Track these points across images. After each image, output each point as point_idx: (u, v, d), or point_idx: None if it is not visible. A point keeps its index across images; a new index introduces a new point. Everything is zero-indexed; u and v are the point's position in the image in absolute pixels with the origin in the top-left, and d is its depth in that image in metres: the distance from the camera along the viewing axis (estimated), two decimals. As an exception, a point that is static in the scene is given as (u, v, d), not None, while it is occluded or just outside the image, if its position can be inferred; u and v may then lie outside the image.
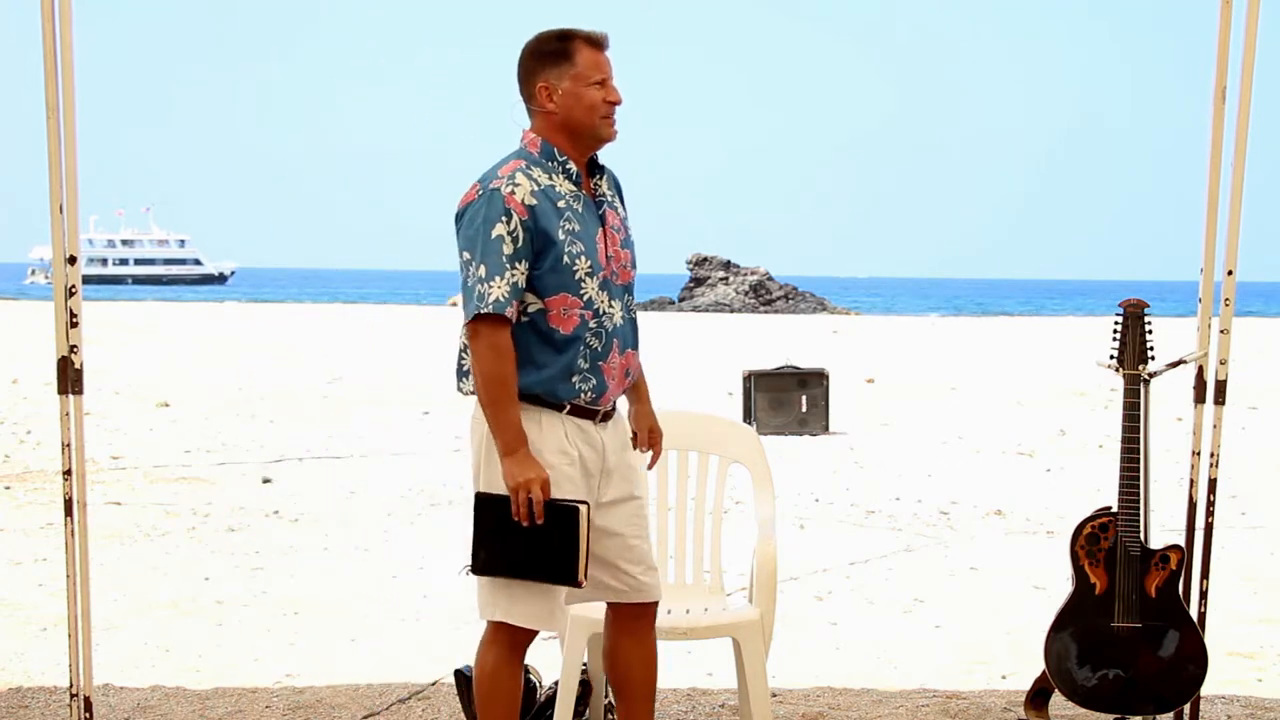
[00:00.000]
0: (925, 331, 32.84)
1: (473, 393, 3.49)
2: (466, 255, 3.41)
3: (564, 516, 3.40)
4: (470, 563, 3.48)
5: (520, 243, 3.38)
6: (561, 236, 3.42)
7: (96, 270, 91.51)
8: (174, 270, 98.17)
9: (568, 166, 3.50)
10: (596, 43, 3.50)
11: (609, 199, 3.59)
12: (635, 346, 3.62)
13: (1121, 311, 4.29)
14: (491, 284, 3.36)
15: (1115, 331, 4.27)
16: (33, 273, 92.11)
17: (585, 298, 3.45)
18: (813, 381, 13.16)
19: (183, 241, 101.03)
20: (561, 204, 3.46)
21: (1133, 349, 4.25)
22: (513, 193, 3.40)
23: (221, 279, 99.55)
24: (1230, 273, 4.21)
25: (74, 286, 3.90)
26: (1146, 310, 4.29)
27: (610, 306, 3.50)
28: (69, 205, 3.86)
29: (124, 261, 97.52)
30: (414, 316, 37.91)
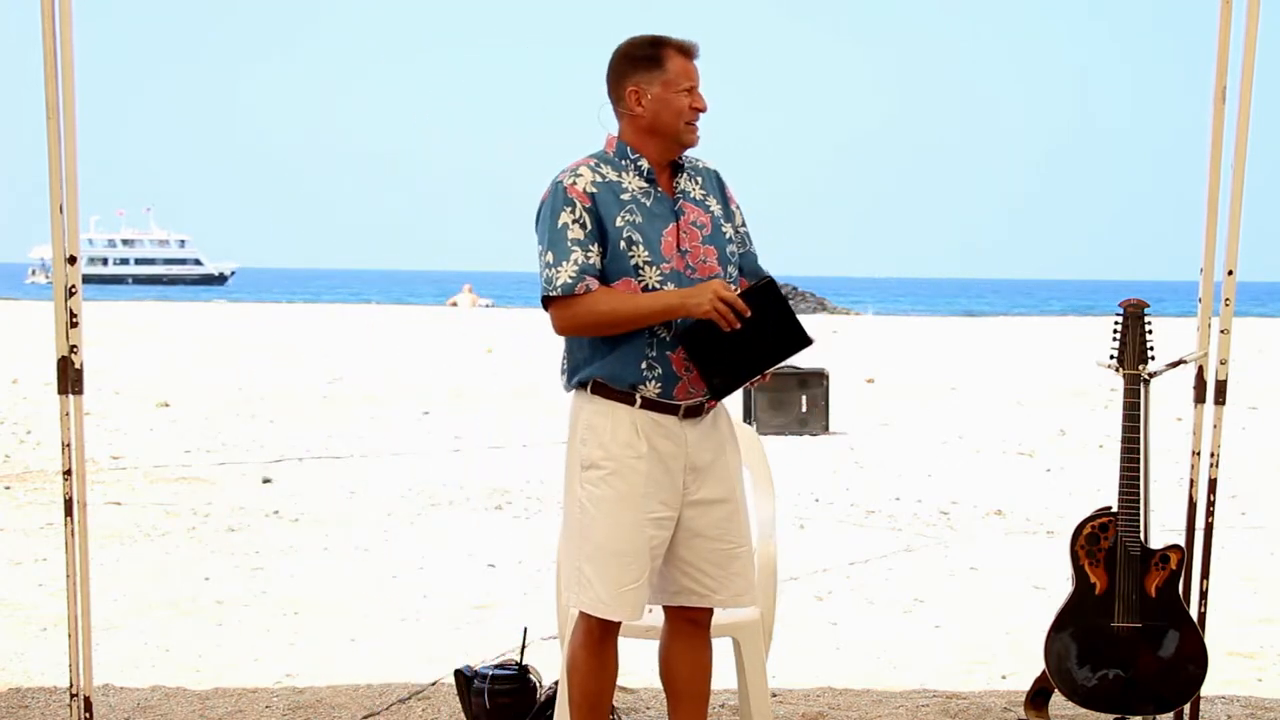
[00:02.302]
0: (925, 331, 32.82)
1: (574, 387, 3.61)
2: (540, 247, 3.54)
3: (764, 296, 3.51)
4: (710, 392, 3.55)
5: (588, 227, 3.51)
6: (619, 225, 3.52)
7: (97, 270, 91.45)
8: (174, 270, 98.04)
9: (640, 164, 3.60)
10: (686, 51, 3.61)
11: (693, 196, 3.66)
12: None
13: (1121, 311, 4.29)
14: (558, 269, 3.49)
15: (1115, 331, 4.27)
16: (33, 272, 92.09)
17: (644, 285, 3.52)
18: (813, 381, 13.16)
19: (183, 242, 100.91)
20: (625, 197, 3.56)
21: (1133, 349, 4.25)
22: (574, 183, 3.54)
23: (222, 279, 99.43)
24: (1230, 273, 4.21)
25: (74, 286, 3.90)
26: (1146, 310, 4.29)
27: None
28: (69, 205, 3.86)
29: (124, 261, 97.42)
30: (414, 316, 37.85)
